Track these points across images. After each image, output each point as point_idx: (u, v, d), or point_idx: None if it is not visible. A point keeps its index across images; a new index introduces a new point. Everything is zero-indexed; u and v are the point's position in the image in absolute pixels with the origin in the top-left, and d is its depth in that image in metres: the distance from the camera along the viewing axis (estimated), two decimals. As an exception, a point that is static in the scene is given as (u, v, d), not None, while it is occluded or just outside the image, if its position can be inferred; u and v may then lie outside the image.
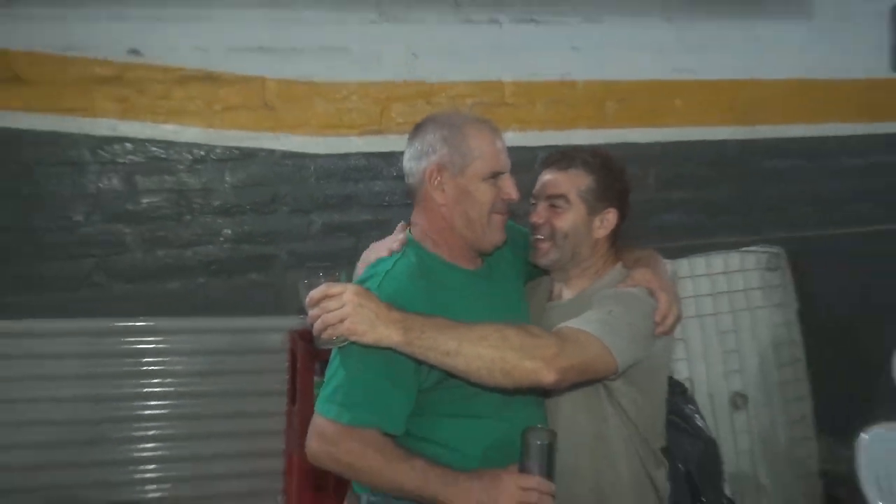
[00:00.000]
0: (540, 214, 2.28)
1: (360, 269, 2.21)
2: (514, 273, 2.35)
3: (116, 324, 3.74)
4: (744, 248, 4.29)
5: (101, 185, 3.74)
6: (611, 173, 2.30)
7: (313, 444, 1.98)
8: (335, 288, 1.91)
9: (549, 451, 1.94)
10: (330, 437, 1.94)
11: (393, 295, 1.97)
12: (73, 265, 3.71)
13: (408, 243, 2.17)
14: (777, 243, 4.37)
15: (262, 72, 3.88)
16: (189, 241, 3.84)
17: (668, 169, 4.49)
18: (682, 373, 3.97)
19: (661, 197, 4.48)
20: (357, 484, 2.11)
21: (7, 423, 3.59)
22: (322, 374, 2.24)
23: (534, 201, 2.31)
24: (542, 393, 2.16)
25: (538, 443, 1.93)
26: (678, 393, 3.77)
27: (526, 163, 2.34)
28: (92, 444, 3.67)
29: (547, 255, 2.27)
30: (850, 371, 4.60)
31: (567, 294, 2.31)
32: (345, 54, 3.98)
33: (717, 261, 4.17)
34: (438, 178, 2.13)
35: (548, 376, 1.93)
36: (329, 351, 2.02)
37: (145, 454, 3.73)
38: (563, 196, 2.25)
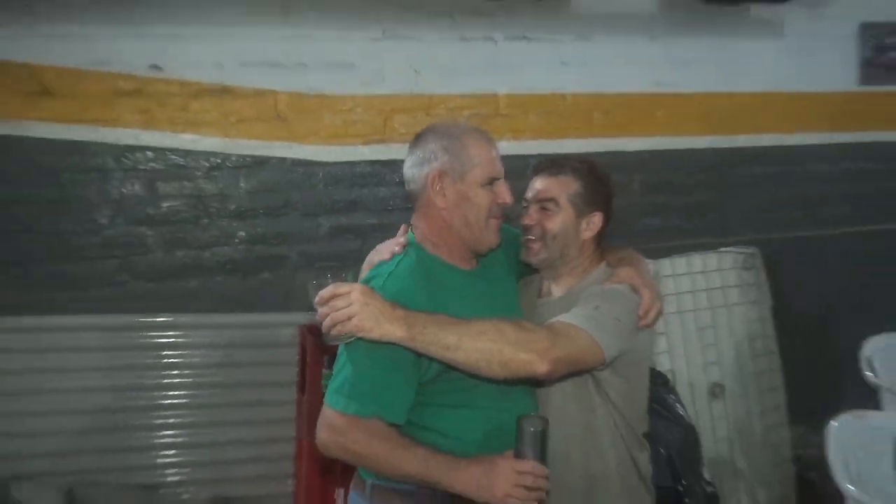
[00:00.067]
0: (532, 217, 2.28)
1: (366, 269, 2.20)
2: (506, 272, 2.34)
3: (138, 319, 3.74)
4: (721, 249, 4.27)
5: (124, 190, 3.74)
6: (597, 179, 2.31)
7: (323, 435, 1.98)
8: (343, 288, 1.91)
9: (542, 438, 1.94)
10: (338, 427, 1.94)
11: (396, 294, 1.97)
12: (98, 265, 3.71)
13: (409, 245, 2.16)
14: (752, 244, 4.34)
15: (274, 85, 3.88)
16: (206, 242, 3.84)
17: (651, 175, 4.49)
18: (664, 365, 3.97)
19: (645, 201, 4.47)
20: (363, 469, 2.10)
21: (36, 412, 3.60)
22: (329, 366, 2.24)
23: (525, 205, 2.31)
24: (534, 384, 2.15)
25: (532, 430, 1.93)
26: (660, 383, 3.76)
27: (519, 170, 2.34)
28: (115, 432, 3.68)
29: (538, 254, 2.27)
30: (821, 363, 4.61)
31: (556, 291, 2.31)
32: (351, 69, 3.98)
33: (697, 261, 4.15)
34: (440, 184, 2.12)
35: (541, 367, 1.93)
36: (336, 346, 2.01)
37: (165, 440, 3.74)
38: (553, 200, 2.26)
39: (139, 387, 3.72)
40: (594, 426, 2.20)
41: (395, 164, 3.84)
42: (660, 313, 2.25)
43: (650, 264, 3.84)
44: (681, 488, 3.45)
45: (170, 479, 3.71)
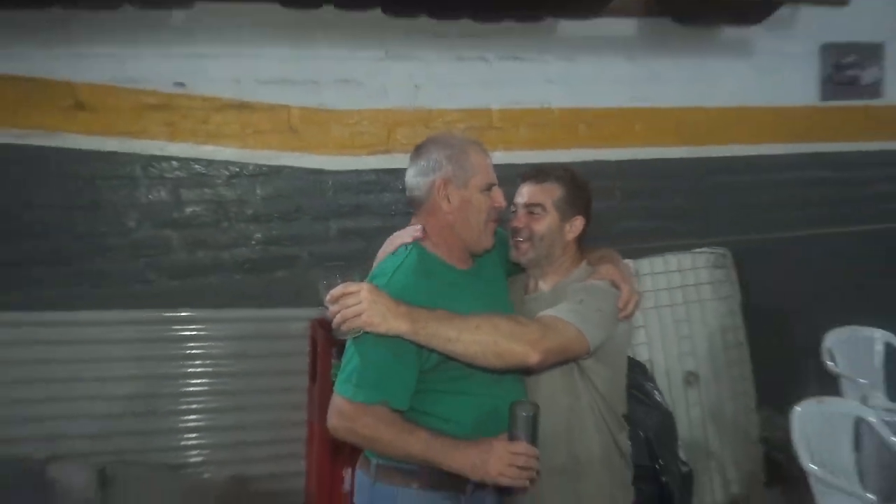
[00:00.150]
0: (520, 220, 2.27)
1: (381, 256, 2.21)
2: (498, 271, 2.34)
3: (164, 314, 3.73)
4: (695, 250, 4.25)
5: (151, 196, 3.74)
6: (578, 186, 2.31)
7: (333, 421, 1.98)
8: (353, 287, 1.92)
9: (534, 422, 1.94)
10: (347, 413, 1.95)
11: (399, 291, 1.97)
12: (127, 264, 3.71)
13: (412, 246, 2.15)
14: (722, 245, 4.33)
15: (288, 101, 3.88)
16: (225, 244, 3.83)
17: (630, 182, 4.47)
18: (643, 355, 3.96)
19: (625, 206, 4.46)
20: (368, 450, 2.10)
21: (71, 398, 3.58)
22: (338, 357, 2.23)
23: (514, 209, 2.31)
24: (524, 372, 2.14)
25: (524, 414, 1.94)
26: (640, 372, 3.76)
27: (511, 178, 2.33)
28: (144, 416, 3.67)
29: (526, 254, 2.27)
30: (786, 353, 4.61)
31: (542, 287, 2.31)
32: (357, 86, 3.98)
33: (672, 260, 4.14)
34: (445, 191, 2.12)
35: (533, 358, 1.95)
36: (345, 339, 2.01)
37: (189, 424, 3.73)
38: (540, 205, 2.26)
39: (165, 375, 3.71)
40: (579, 410, 2.19)
41: (398, 173, 3.81)
42: (637, 305, 2.26)
43: (629, 263, 3.87)
44: (658, 467, 3.46)
45: (193, 459, 3.70)
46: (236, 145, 3.81)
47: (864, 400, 3.91)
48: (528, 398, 2.14)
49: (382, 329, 1.89)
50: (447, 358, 1.96)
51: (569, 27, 4.26)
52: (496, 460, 1.91)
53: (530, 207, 2.27)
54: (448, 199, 2.13)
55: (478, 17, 3.98)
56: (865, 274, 4.83)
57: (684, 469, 3.56)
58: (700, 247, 4.30)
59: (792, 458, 3.20)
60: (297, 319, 3.82)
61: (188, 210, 3.78)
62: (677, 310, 4.10)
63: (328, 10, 3.74)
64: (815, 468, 3.05)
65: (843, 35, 4.85)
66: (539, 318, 2.04)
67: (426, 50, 4.06)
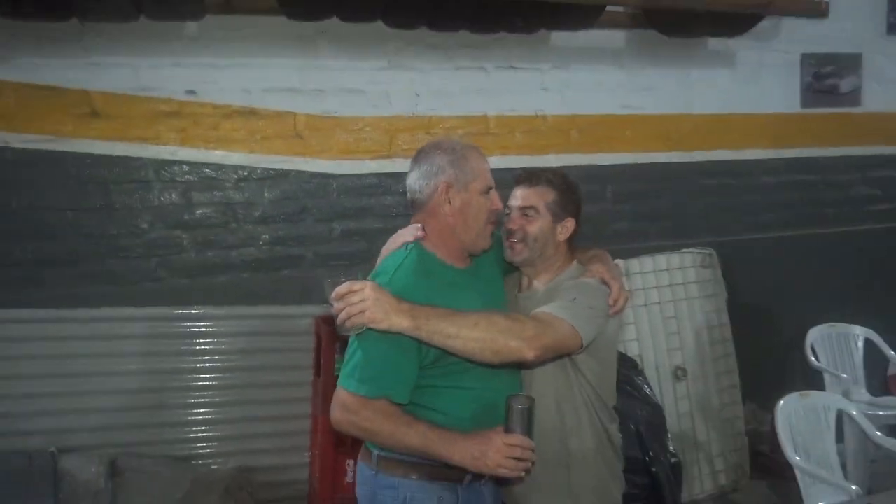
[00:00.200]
0: (514, 221, 2.24)
1: (384, 253, 2.17)
2: (495, 270, 2.30)
3: (174, 311, 3.71)
4: (682, 250, 4.26)
5: (162, 199, 3.71)
6: (569, 189, 2.28)
7: (337, 414, 1.95)
8: (357, 285, 1.89)
9: (529, 414, 1.91)
10: (350, 407, 1.92)
11: (402, 289, 1.93)
12: (139, 264, 3.68)
13: (413, 246, 2.11)
14: (709, 245, 4.34)
15: (294, 108, 3.85)
16: (234, 244, 3.81)
17: (621, 186, 4.46)
18: (633, 351, 3.95)
19: (616, 208, 4.45)
20: (369, 442, 2.06)
21: (83, 392, 3.55)
22: (342, 352, 2.20)
23: (508, 212, 2.27)
24: (519, 367, 2.12)
25: (520, 407, 1.90)
26: (630, 367, 3.75)
27: (507, 182, 2.30)
28: (154, 409, 3.65)
29: (520, 254, 2.23)
30: (769, 349, 4.61)
31: (535, 286, 2.27)
32: (360, 94, 3.95)
33: (661, 260, 4.14)
34: (446, 194, 2.08)
35: (529, 354, 1.92)
36: (348, 335, 1.97)
37: (197, 417, 3.70)
38: (533, 207, 2.23)
39: (175, 370, 3.69)
40: (573, 403, 2.17)
41: (399, 176, 3.79)
42: (626, 302, 2.24)
43: (619, 263, 3.85)
44: (648, 458, 3.45)
45: (201, 451, 3.68)
46: (245, 150, 3.79)
47: (846, 394, 3.91)
48: (523, 392, 2.12)
49: (385, 326, 1.86)
50: (446, 353, 1.93)
51: (561, 38, 4.24)
52: (494, 452, 1.88)
53: (524, 210, 2.24)
54: (449, 202, 2.09)
55: (475, 29, 3.95)
56: (846, 273, 4.84)
57: (673, 460, 3.54)
58: (687, 247, 4.32)
59: (776, 450, 3.18)
60: (302, 316, 3.80)
61: (198, 212, 3.75)
62: (666, 307, 4.09)
63: (333, 23, 3.70)
64: (799, 460, 3.02)
65: (823, 46, 4.85)
66: (534, 316, 2.02)
67: (426, 60, 4.04)
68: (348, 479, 3.37)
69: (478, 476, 1.99)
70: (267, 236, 3.84)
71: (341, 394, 1.94)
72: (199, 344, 3.71)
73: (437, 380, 1.99)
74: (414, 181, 2.13)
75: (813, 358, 4.18)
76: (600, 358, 2.19)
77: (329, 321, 3.51)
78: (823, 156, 4.93)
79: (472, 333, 1.89)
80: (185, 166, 3.73)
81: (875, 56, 4.99)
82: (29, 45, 3.46)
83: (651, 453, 3.45)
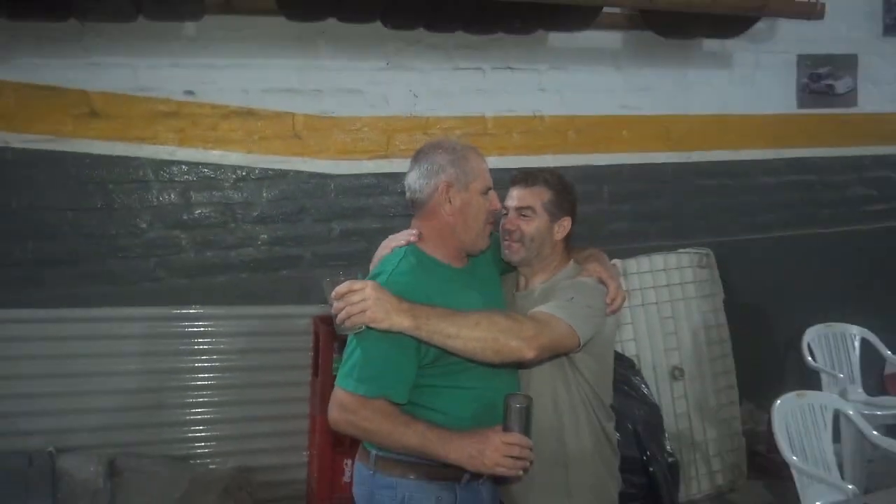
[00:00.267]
0: (512, 221, 2.24)
1: (376, 258, 2.16)
2: (492, 270, 2.30)
3: (173, 311, 3.70)
4: (679, 250, 4.26)
5: (161, 199, 3.70)
6: (565, 189, 2.28)
7: (334, 413, 1.94)
8: (357, 284, 1.87)
9: (527, 413, 1.89)
10: (348, 406, 1.91)
11: (401, 288, 1.92)
12: (138, 263, 3.66)
13: (409, 247, 2.10)
14: (706, 246, 4.34)
15: (292, 108, 3.84)
16: (233, 244, 3.79)
17: (618, 186, 4.45)
18: (630, 350, 3.94)
19: (613, 209, 4.44)
20: (367, 442, 2.05)
21: (82, 392, 3.54)
22: (340, 352, 2.19)
23: (505, 212, 2.27)
24: (517, 366, 2.10)
25: (518, 406, 1.89)
26: (628, 367, 3.74)
27: (505, 182, 2.29)
28: (152, 409, 3.64)
29: (517, 253, 2.23)
30: (766, 349, 4.60)
31: (532, 285, 2.27)
32: (358, 95, 3.94)
33: (658, 260, 4.13)
34: (447, 193, 2.08)
35: (528, 353, 1.92)
36: (346, 334, 1.96)
37: (196, 417, 3.69)
38: (530, 207, 2.22)
39: (173, 370, 3.68)
40: (570, 401, 2.17)
41: (397, 177, 3.82)
42: (623, 301, 2.24)
43: (616, 262, 3.85)
44: (645, 458, 3.44)
45: (200, 451, 3.67)
46: (243, 150, 3.78)
47: (842, 394, 3.90)
48: (522, 390, 2.11)
49: (385, 325, 1.85)
50: (445, 353, 1.92)
51: (559, 39, 4.23)
52: (492, 451, 1.86)
53: (521, 210, 2.23)
54: (450, 202, 2.08)
55: (473, 30, 3.94)
56: (842, 273, 4.84)
57: (670, 460, 3.53)
58: (685, 247, 4.32)
59: (772, 448, 3.17)
60: (300, 316, 3.80)
61: (197, 212, 3.74)
62: (663, 307, 4.09)
63: (331, 23, 3.70)
64: (796, 460, 3.02)
65: (819, 47, 4.84)
66: (533, 315, 2.01)
67: (424, 61, 4.03)
68: (346, 478, 3.36)
69: (476, 475, 1.98)
70: (265, 236, 3.83)
71: (339, 393, 1.92)
72: (198, 344, 3.70)
73: (436, 379, 1.98)
74: (414, 180, 2.12)
75: (810, 358, 4.18)
76: (598, 356, 2.18)
77: (327, 321, 3.49)
78: (820, 156, 4.93)
79: (473, 333, 1.88)
80: (183, 166, 3.71)
81: (871, 57, 4.99)
82: (28, 45, 3.45)
83: (648, 453, 3.44)
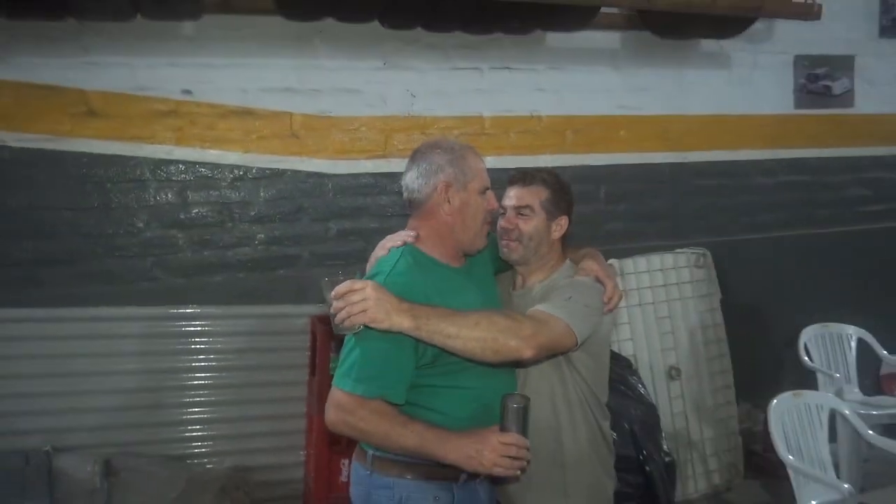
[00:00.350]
0: (510, 220, 2.24)
1: (373, 259, 2.15)
2: (487, 269, 2.30)
3: (170, 310, 3.69)
4: (676, 250, 4.26)
5: (158, 198, 3.69)
6: (562, 188, 2.29)
7: (331, 414, 1.93)
8: (357, 284, 1.87)
9: (524, 413, 1.89)
10: (346, 406, 1.90)
11: (399, 288, 1.91)
12: (135, 263, 3.65)
13: (406, 247, 2.10)
14: (703, 245, 4.34)
15: (290, 108, 3.83)
16: (230, 243, 3.78)
17: (615, 186, 4.45)
18: (627, 350, 3.94)
19: (610, 209, 4.44)
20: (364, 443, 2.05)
21: (78, 391, 3.53)
22: (337, 351, 2.18)
23: (503, 211, 2.27)
24: (514, 365, 2.11)
25: (515, 406, 1.89)
26: (625, 366, 3.74)
27: (502, 182, 2.30)
28: (149, 409, 3.63)
29: (515, 251, 2.24)
30: (763, 349, 4.60)
31: (529, 284, 2.28)
32: (356, 94, 3.94)
33: (655, 260, 4.13)
34: (446, 193, 2.07)
35: (527, 353, 1.92)
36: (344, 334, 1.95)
37: (193, 417, 3.68)
38: (528, 206, 2.23)
39: (170, 369, 3.67)
40: (567, 399, 2.17)
41: (395, 176, 3.79)
42: (620, 300, 2.24)
43: (614, 262, 3.85)
44: (642, 457, 3.43)
45: (196, 450, 3.66)
46: (241, 150, 3.77)
47: (839, 393, 3.90)
48: (518, 390, 2.12)
49: (385, 325, 1.84)
50: (443, 353, 1.91)
51: (557, 39, 4.23)
52: (490, 451, 1.86)
53: (519, 209, 2.24)
54: (448, 201, 2.08)
55: (470, 30, 3.94)
56: (839, 273, 4.85)
57: (667, 459, 3.53)
58: (682, 247, 4.32)
59: (769, 447, 3.17)
60: (298, 316, 3.79)
61: (194, 211, 3.73)
62: (660, 307, 4.09)
63: (329, 23, 3.70)
64: (792, 459, 3.02)
65: (816, 48, 4.85)
66: (531, 314, 2.01)
67: (422, 60, 4.02)
68: (343, 478, 3.36)
69: (473, 475, 1.98)
70: (263, 236, 3.82)
71: (336, 393, 1.91)
72: (195, 343, 3.69)
73: (434, 379, 1.98)
74: (412, 180, 2.12)
75: (806, 357, 4.18)
76: (595, 354, 2.19)
77: (324, 320, 3.49)
78: (817, 157, 4.94)
79: (473, 333, 1.88)
80: (181, 166, 3.70)
81: (867, 58, 5.00)
82: (26, 44, 3.44)
83: (645, 452, 3.44)
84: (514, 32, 4.03)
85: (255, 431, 3.72)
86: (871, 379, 4.75)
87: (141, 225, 3.65)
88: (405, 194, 2.15)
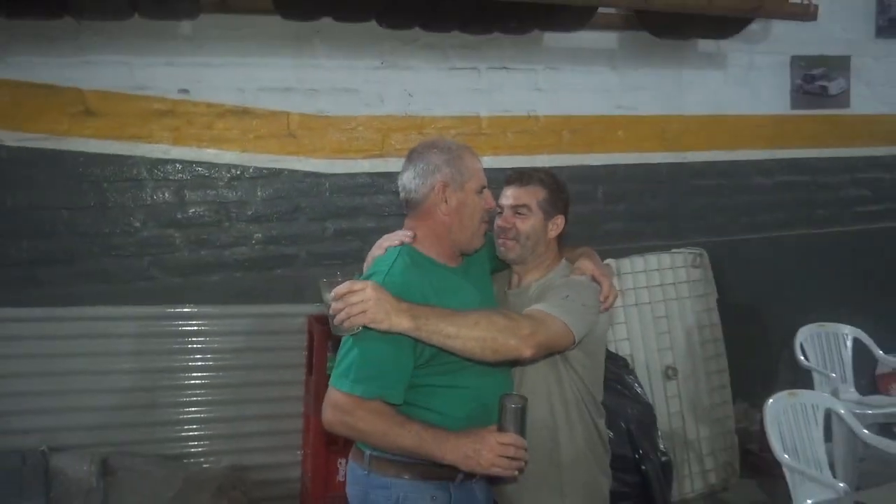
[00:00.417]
0: (507, 220, 2.26)
1: (370, 258, 2.16)
2: (484, 269, 2.31)
3: (167, 310, 3.67)
4: (673, 250, 4.27)
5: (155, 197, 3.67)
6: (558, 188, 2.31)
7: (329, 414, 1.93)
8: (357, 284, 1.87)
9: (522, 413, 1.90)
10: (344, 407, 1.90)
11: (399, 288, 1.92)
12: (132, 262, 3.64)
13: (403, 247, 2.11)
14: (700, 245, 4.35)
15: (288, 107, 3.82)
16: (227, 243, 3.77)
17: (612, 186, 4.45)
18: (624, 350, 3.95)
19: (607, 209, 4.44)
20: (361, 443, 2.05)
21: (76, 390, 3.52)
22: (334, 351, 2.18)
23: (500, 210, 2.29)
24: (511, 364, 2.12)
25: (513, 406, 1.89)
26: (621, 366, 3.75)
27: (499, 181, 2.30)
28: (146, 408, 3.61)
29: (513, 250, 2.26)
30: (759, 348, 4.61)
31: (525, 283, 2.30)
32: (354, 94, 3.93)
33: (652, 260, 4.14)
34: (443, 193, 2.08)
35: (526, 352, 1.93)
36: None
37: (189, 416, 3.67)
38: (526, 205, 2.25)
39: (167, 369, 3.65)
40: (564, 398, 2.19)
41: (392, 176, 3.75)
42: (615, 298, 2.26)
43: (611, 262, 3.86)
44: (638, 457, 3.44)
45: (193, 450, 3.66)
46: (238, 149, 3.76)
47: (834, 393, 3.91)
48: (515, 389, 2.13)
49: (385, 326, 1.85)
50: (441, 352, 1.92)
51: (554, 39, 4.23)
52: (487, 451, 1.87)
53: (516, 208, 2.25)
54: (446, 201, 2.09)
55: (468, 30, 3.94)
56: (835, 273, 4.86)
57: (663, 458, 3.54)
58: (679, 247, 4.33)
59: (765, 447, 3.18)
60: (295, 315, 3.78)
61: (191, 211, 3.72)
62: (657, 307, 4.10)
63: (327, 23, 3.68)
64: (787, 457, 3.03)
65: (812, 48, 4.86)
66: (529, 314, 2.02)
67: (419, 60, 4.02)
68: (340, 477, 3.36)
69: (470, 475, 1.98)
70: (260, 235, 3.81)
71: (334, 394, 1.92)
72: (192, 342, 3.67)
73: (431, 379, 1.98)
74: (409, 180, 2.12)
75: (802, 357, 4.19)
76: (591, 353, 2.21)
77: (321, 320, 3.49)
78: (813, 157, 4.95)
79: (473, 333, 1.88)
80: (178, 165, 3.69)
81: (864, 59, 5.02)
82: (24, 43, 3.42)
83: (641, 451, 3.45)
84: (512, 32, 4.02)
85: (252, 431, 3.71)
86: (867, 378, 4.77)
87: (138, 224, 3.63)
88: (402, 194, 2.15)
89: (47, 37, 3.43)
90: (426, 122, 4.04)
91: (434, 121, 4.05)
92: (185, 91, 3.66)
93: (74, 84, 3.52)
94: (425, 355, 1.95)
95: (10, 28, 3.36)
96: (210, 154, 3.72)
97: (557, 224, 2.28)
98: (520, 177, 2.30)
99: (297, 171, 3.84)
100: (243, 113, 3.74)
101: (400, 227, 2.18)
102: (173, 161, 3.68)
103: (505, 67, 4.18)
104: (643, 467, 3.42)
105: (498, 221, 2.28)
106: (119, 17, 3.38)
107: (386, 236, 2.16)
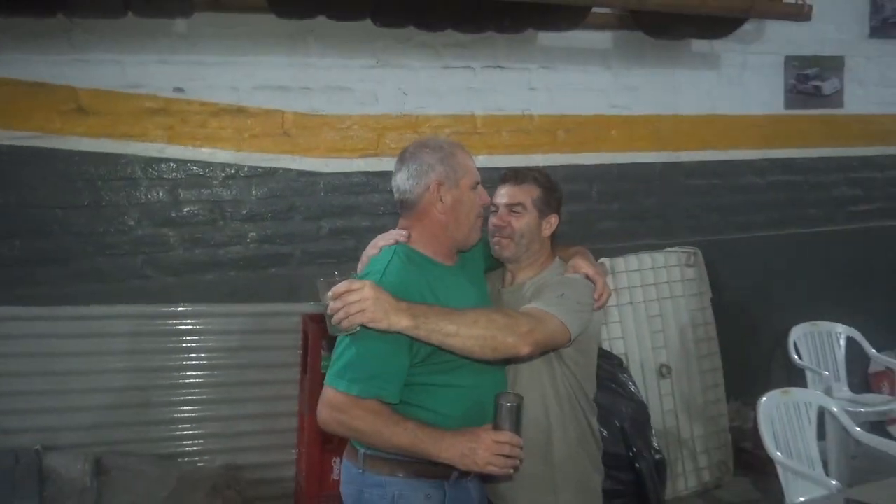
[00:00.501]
0: (502, 218, 2.26)
1: (364, 258, 2.16)
2: (478, 267, 2.32)
3: (161, 309, 3.66)
4: (667, 249, 4.28)
5: (150, 196, 3.67)
6: (552, 187, 2.32)
7: (324, 413, 1.93)
8: (356, 284, 1.86)
9: (518, 412, 1.90)
10: (340, 406, 1.89)
11: (397, 287, 1.92)
12: (127, 261, 3.63)
13: (398, 246, 2.10)
14: (693, 244, 4.36)
15: (282, 106, 3.82)
16: (221, 242, 3.76)
17: (607, 185, 4.46)
18: (618, 349, 3.95)
19: (602, 208, 4.45)
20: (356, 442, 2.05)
21: (69, 390, 3.51)
22: (329, 350, 2.18)
23: (495, 209, 2.29)
24: (505, 363, 2.12)
25: (509, 405, 1.90)
26: (615, 364, 3.75)
27: (494, 180, 2.31)
28: (140, 407, 3.60)
29: (507, 249, 2.26)
30: (753, 347, 4.62)
31: (519, 281, 2.30)
32: (348, 93, 3.92)
33: (646, 259, 4.14)
34: (438, 192, 2.08)
35: (524, 350, 1.93)
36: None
37: (183, 415, 3.66)
38: (520, 204, 2.26)
39: (161, 368, 3.65)
40: (558, 395, 2.19)
41: (387, 175, 3.72)
42: (609, 297, 2.27)
43: (605, 261, 3.86)
44: (632, 455, 3.44)
45: (187, 449, 3.65)
46: (232, 148, 3.75)
47: (827, 391, 3.92)
48: (509, 386, 2.14)
49: (384, 325, 1.84)
50: (437, 350, 1.92)
51: (549, 39, 4.23)
52: (483, 450, 1.87)
53: (511, 207, 2.26)
54: (441, 200, 2.09)
55: (463, 29, 3.94)
56: (829, 272, 4.87)
57: (657, 456, 3.54)
58: (672, 246, 4.33)
59: (758, 445, 3.19)
60: (289, 314, 3.78)
61: (186, 209, 3.71)
62: (651, 306, 4.10)
63: (321, 21, 3.68)
64: (780, 455, 3.03)
65: (806, 48, 4.88)
66: (526, 311, 2.03)
67: (414, 59, 4.02)
68: (335, 476, 3.36)
69: (464, 473, 1.98)
70: (254, 234, 3.81)
71: (329, 393, 1.91)
72: (186, 341, 3.67)
73: (427, 377, 1.98)
74: (403, 181, 2.12)
75: (796, 356, 4.21)
76: (584, 350, 2.22)
77: (316, 319, 3.50)
78: (807, 157, 4.97)
79: (472, 331, 1.88)
80: (172, 164, 3.68)
81: (857, 59, 5.04)
82: (17, 41, 3.41)
83: (635, 449, 3.44)
84: (507, 31, 4.02)
85: (247, 430, 3.70)
86: (860, 377, 4.79)
87: (132, 223, 3.63)
88: (396, 195, 2.15)
89: (40, 34, 3.42)
90: (421, 121, 4.04)
91: (429, 119, 4.05)
92: (180, 89, 3.65)
93: (67, 82, 3.51)
94: (421, 354, 1.94)
95: (3, 26, 3.35)
96: (204, 153, 3.71)
97: (551, 223, 2.29)
98: (514, 175, 2.30)
99: (291, 170, 3.84)
100: (238, 111, 3.74)
101: (395, 225, 2.18)
102: (167, 160, 3.67)
103: (499, 66, 4.19)
104: (637, 465, 3.42)
105: (493, 220, 2.28)
106: (112, 15, 3.37)
107: (380, 236, 2.16)
